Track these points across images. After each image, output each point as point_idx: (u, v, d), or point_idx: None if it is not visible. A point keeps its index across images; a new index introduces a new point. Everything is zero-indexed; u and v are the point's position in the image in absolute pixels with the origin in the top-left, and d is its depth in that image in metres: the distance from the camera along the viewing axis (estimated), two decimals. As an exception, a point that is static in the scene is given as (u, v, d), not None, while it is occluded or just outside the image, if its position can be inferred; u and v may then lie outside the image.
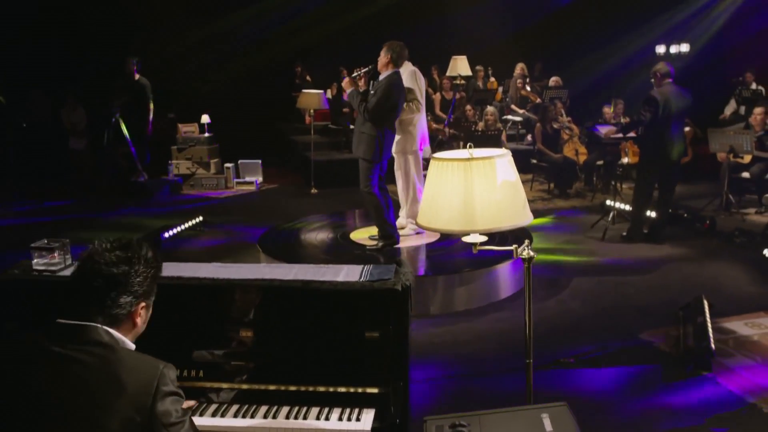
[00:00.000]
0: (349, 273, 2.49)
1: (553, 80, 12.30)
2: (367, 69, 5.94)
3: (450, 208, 2.04)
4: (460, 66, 11.77)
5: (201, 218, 8.01)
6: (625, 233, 7.34)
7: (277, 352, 2.40)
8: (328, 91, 13.10)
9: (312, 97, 10.11)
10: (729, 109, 11.89)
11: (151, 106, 10.11)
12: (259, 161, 10.64)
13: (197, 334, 2.43)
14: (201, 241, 7.53)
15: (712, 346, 4.25)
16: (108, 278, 1.79)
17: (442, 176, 2.05)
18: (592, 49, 13.22)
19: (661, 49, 12.87)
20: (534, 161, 9.99)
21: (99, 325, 1.77)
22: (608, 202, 8.76)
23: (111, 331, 1.79)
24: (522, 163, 11.03)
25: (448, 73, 11.97)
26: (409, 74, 6.14)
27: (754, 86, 11.53)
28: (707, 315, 4.65)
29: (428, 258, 5.85)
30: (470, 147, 2.14)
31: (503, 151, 2.12)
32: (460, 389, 4.11)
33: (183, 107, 11.81)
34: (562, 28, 13.67)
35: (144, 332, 1.93)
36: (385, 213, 5.80)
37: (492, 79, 13.14)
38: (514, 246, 2.23)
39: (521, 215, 2.10)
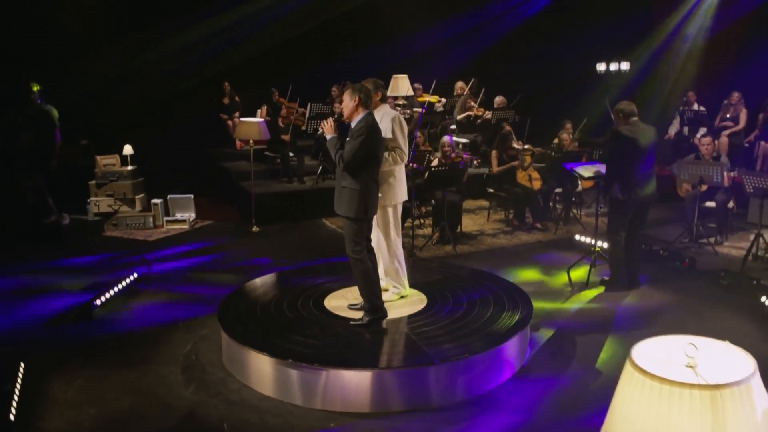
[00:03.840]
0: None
1: (499, 101, 11.88)
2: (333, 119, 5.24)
3: (691, 460, 1.33)
4: (401, 85, 11.08)
5: (136, 275, 6.93)
6: (607, 278, 6.86)
7: None
8: (258, 112, 12.15)
9: (252, 127, 9.12)
10: (673, 129, 11.87)
11: (56, 135, 8.91)
12: (191, 196, 9.56)
13: None
14: (142, 309, 6.27)
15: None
16: None
17: (671, 408, 1.33)
18: (535, 69, 12.96)
19: (601, 67, 12.67)
20: (491, 190, 9.46)
21: None
22: (578, 237, 8.35)
23: None
24: (476, 188, 10.49)
25: (389, 93, 11.26)
26: (390, 119, 5.39)
27: (696, 107, 11.51)
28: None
29: (415, 333, 5.03)
30: (692, 348, 1.43)
31: (746, 360, 1.42)
32: None
33: (102, 138, 10.53)
34: (505, 49, 13.36)
35: None
36: (374, 283, 5.02)
37: (431, 98, 12.44)
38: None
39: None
